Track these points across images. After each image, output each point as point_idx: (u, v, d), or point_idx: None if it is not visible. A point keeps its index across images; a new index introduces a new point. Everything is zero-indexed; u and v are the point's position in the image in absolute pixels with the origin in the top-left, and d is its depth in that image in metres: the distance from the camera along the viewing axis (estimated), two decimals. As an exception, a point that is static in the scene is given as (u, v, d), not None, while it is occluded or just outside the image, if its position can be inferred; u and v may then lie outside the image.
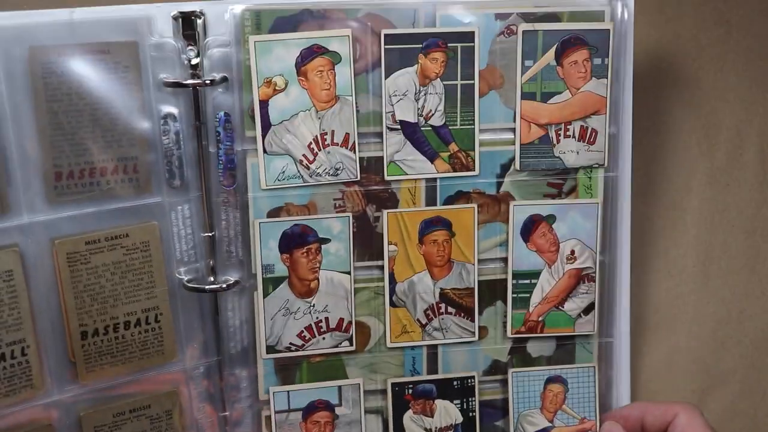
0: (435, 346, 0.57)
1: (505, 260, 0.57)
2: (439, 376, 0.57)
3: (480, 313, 0.57)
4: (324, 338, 0.55)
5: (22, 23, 0.46)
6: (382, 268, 0.55)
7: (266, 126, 0.51)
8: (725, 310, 0.67)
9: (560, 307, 0.58)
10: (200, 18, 0.50)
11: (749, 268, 0.67)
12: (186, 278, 0.52)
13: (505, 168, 0.55)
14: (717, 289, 0.67)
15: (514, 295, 0.57)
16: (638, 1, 0.54)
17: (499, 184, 0.55)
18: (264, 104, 0.51)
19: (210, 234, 0.52)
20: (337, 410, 0.57)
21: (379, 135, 0.53)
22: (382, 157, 0.53)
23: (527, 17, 0.53)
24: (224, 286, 0.53)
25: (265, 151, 0.52)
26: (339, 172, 0.53)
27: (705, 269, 0.67)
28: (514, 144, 0.55)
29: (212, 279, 0.53)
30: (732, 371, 0.67)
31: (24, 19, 0.47)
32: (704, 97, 0.65)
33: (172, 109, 0.50)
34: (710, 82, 0.65)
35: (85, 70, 0.48)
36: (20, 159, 0.47)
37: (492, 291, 0.57)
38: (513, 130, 0.55)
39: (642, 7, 0.62)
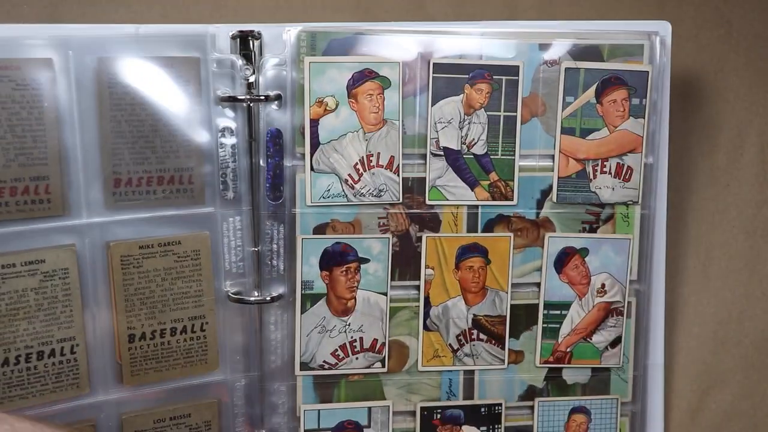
0: (472, 370, 0.58)
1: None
2: (468, 402, 0.58)
3: (516, 337, 0.58)
4: (357, 358, 0.56)
5: (92, 35, 0.48)
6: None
7: (315, 144, 0.53)
8: (725, 310, 0.68)
9: (588, 339, 0.58)
10: (257, 39, 0.52)
11: (749, 268, 0.68)
12: (232, 290, 0.53)
13: (545, 194, 0.56)
14: (717, 289, 0.68)
15: (544, 325, 0.58)
16: (638, 2, 0.56)
17: (537, 214, 0.57)
18: (314, 123, 0.53)
19: (256, 248, 0.53)
20: (366, 431, 0.57)
21: (424, 157, 0.55)
22: (425, 179, 0.55)
23: (570, 49, 0.55)
24: (268, 298, 0.53)
25: (312, 169, 0.53)
26: (382, 193, 0.54)
27: (705, 270, 0.67)
28: (553, 171, 0.56)
29: (257, 293, 0.54)
30: (732, 372, 0.68)
31: (94, 31, 0.49)
32: (704, 97, 0.66)
33: (230, 123, 0.52)
34: (710, 82, 0.66)
35: (148, 82, 0.50)
36: (83, 164, 0.48)
37: (529, 315, 0.58)
38: (553, 157, 0.56)
39: (642, 7, 0.64)
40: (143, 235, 0.50)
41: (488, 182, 0.55)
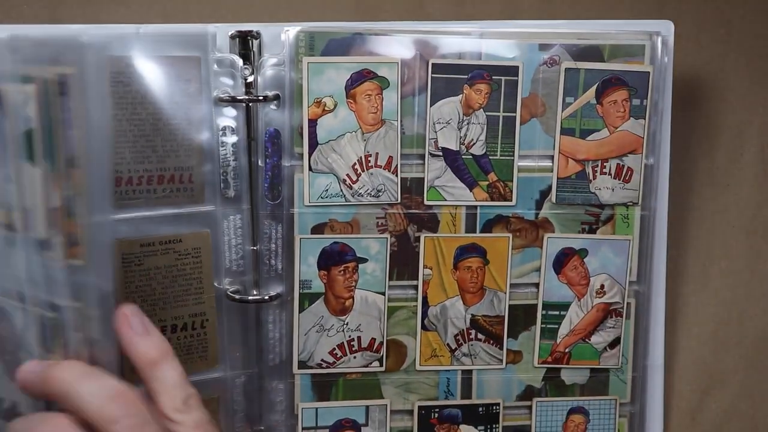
0: (470, 370, 0.58)
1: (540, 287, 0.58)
2: (465, 401, 0.58)
3: (515, 337, 0.58)
4: (355, 357, 0.56)
5: (94, 34, 0.49)
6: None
7: (313, 144, 0.53)
8: (725, 310, 0.67)
9: (587, 340, 0.59)
10: (256, 38, 0.52)
11: (750, 268, 0.67)
12: (231, 288, 0.54)
13: (544, 194, 0.56)
14: (717, 289, 0.67)
15: (543, 326, 0.58)
16: (638, 2, 0.55)
17: (536, 214, 0.57)
18: (312, 123, 0.53)
19: (255, 247, 0.54)
20: (363, 430, 0.57)
21: (422, 157, 0.55)
22: (423, 179, 0.55)
23: (570, 49, 0.55)
24: (266, 297, 0.54)
25: (310, 169, 0.53)
26: (380, 193, 0.54)
27: (705, 270, 0.67)
28: (553, 172, 0.56)
29: (256, 291, 0.54)
30: (732, 372, 0.67)
31: (96, 31, 0.50)
32: (704, 97, 0.66)
33: (231, 122, 0.52)
34: (710, 82, 0.66)
35: (149, 81, 0.50)
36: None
37: (527, 316, 0.58)
38: (552, 157, 0.56)
39: (642, 7, 0.64)
40: (144, 234, 0.51)
41: (487, 183, 0.56)
